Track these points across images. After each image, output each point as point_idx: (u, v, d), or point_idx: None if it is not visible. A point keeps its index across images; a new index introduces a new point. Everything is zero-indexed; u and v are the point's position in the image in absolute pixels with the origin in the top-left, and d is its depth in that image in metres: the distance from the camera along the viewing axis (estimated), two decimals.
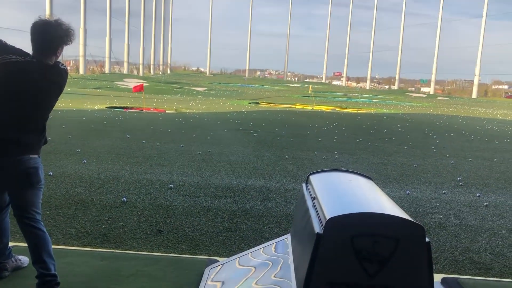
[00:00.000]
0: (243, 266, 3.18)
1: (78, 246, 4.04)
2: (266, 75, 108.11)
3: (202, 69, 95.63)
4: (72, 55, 50.56)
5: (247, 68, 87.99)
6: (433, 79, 70.21)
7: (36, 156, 2.91)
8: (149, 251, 4.00)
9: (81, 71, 50.43)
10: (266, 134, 13.27)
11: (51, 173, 6.60)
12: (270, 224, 4.97)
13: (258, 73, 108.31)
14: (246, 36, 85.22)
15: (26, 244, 2.97)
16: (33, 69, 2.81)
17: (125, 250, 3.99)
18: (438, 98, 58.56)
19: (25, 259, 3.28)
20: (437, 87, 75.96)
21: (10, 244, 3.28)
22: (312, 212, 2.51)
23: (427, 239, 2.06)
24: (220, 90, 48.05)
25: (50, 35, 2.83)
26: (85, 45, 48.68)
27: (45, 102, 2.92)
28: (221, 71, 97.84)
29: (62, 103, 19.96)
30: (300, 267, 2.39)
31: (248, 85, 61.58)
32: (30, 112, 2.86)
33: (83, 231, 4.42)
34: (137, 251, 3.99)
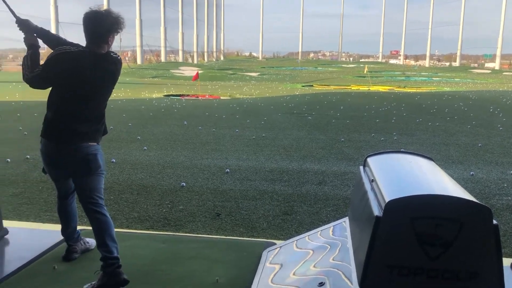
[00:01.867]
0: (300, 249, 3.19)
1: (141, 229, 4.20)
2: (320, 57, 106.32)
3: (254, 54, 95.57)
4: (130, 46, 52.19)
5: (300, 50, 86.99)
6: (498, 53, 66.07)
7: (94, 143, 3.03)
8: (208, 234, 4.09)
9: (139, 61, 51.99)
10: (320, 117, 13.10)
11: (114, 160, 6.90)
12: (327, 208, 4.93)
13: (312, 55, 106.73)
14: (298, 18, 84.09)
15: None
16: (85, 58, 2.90)
17: (185, 233, 4.11)
18: (504, 73, 55.10)
19: (92, 242, 3.45)
20: (503, 61, 71.39)
21: (79, 227, 3.47)
22: (370, 195, 2.45)
23: (494, 222, 1.96)
24: (273, 74, 47.90)
25: (100, 24, 2.90)
26: (141, 35, 50.06)
27: (99, 91, 3.01)
28: (273, 55, 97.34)
29: (122, 93, 20.73)
30: (359, 250, 2.35)
31: (301, 67, 60.95)
32: (85, 102, 2.96)
33: (145, 215, 4.60)
34: (197, 234, 4.10)
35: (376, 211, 2.14)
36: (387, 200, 2.08)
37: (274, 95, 22.07)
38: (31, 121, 10.55)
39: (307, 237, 3.27)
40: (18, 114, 12.48)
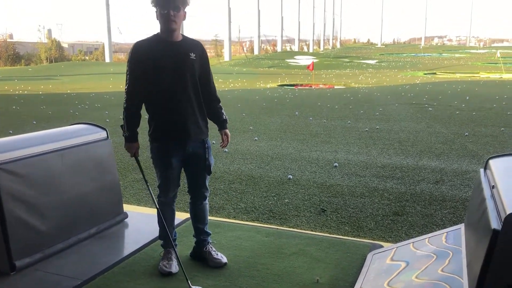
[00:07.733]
0: (401, 258, 2.97)
1: (247, 220, 4.28)
2: (446, 42, 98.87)
3: (373, 41, 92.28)
4: (248, 36, 53.92)
5: (423, 35, 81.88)
6: None
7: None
8: (312, 230, 4.03)
9: (256, 51, 53.40)
10: (443, 108, 12.18)
11: (226, 150, 7.15)
12: (443, 210, 4.54)
13: (436, 40, 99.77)
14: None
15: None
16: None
17: (289, 227, 4.09)
18: None
19: None
20: None
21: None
22: (489, 203, 2.20)
23: None
24: (392, 61, 45.80)
25: None
26: (258, 26, 51.26)
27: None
28: (393, 41, 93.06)
29: (239, 83, 21.41)
30: (473, 264, 2.12)
31: (423, 54, 57.37)
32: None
33: (252, 206, 4.68)
34: (301, 229, 4.05)
35: (494, 224, 1.92)
36: (508, 212, 1.83)
37: (392, 84, 21.07)
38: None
39: (411, 244, 3.04)
40: None
